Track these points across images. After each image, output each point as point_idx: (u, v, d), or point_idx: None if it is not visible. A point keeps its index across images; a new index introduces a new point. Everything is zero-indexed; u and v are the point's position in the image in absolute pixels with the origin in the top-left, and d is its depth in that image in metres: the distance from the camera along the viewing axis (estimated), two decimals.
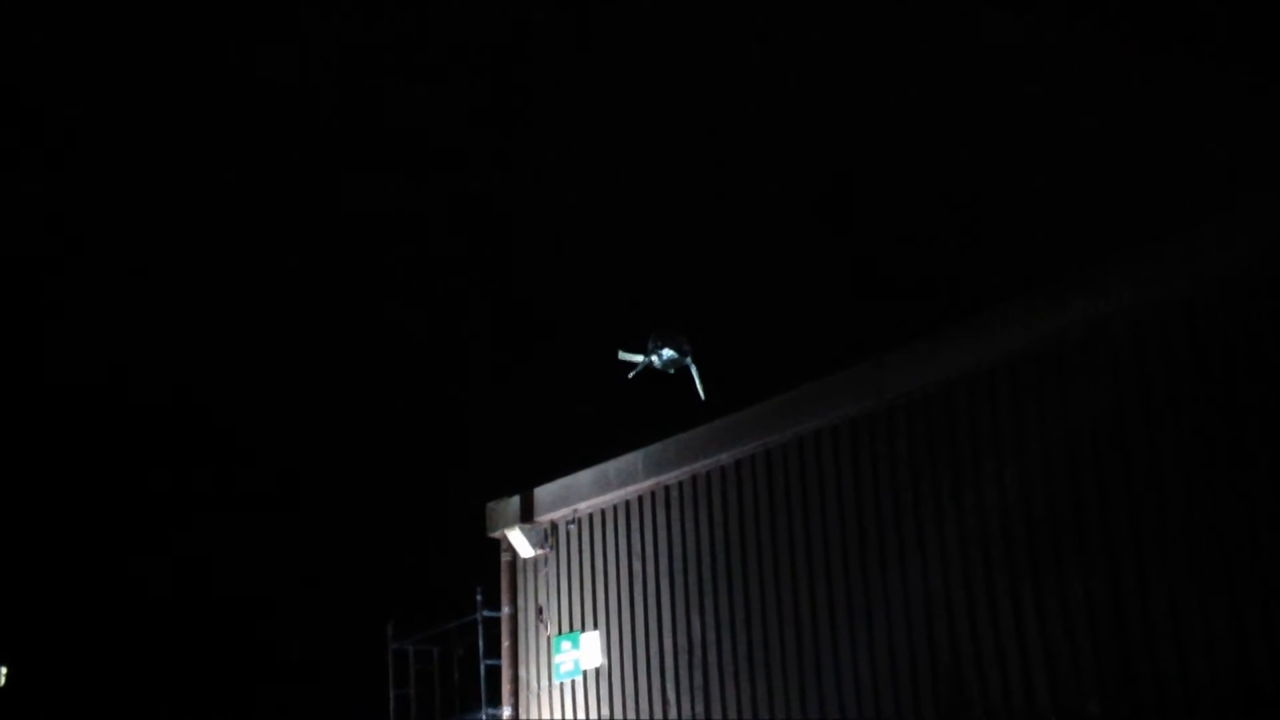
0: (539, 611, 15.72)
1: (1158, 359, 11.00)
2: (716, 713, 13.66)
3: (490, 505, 16.36)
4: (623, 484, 15.00)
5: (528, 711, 15.63)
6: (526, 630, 15.86)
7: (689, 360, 13.85)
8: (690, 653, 14.04)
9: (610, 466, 15.16)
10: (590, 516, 15.41)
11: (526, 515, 15.89)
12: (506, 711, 15.77)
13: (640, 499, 14.90)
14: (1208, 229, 10.91)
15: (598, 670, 14.95)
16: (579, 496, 15.48)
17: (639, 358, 13.80)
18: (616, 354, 13.90)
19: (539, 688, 15.53)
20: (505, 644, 15.99)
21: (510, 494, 16.10)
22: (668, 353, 13.82)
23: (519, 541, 15.89)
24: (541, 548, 15.78)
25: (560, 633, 15.45)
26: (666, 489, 14.64)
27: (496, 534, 16.22)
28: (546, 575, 15.75)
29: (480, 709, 15.96)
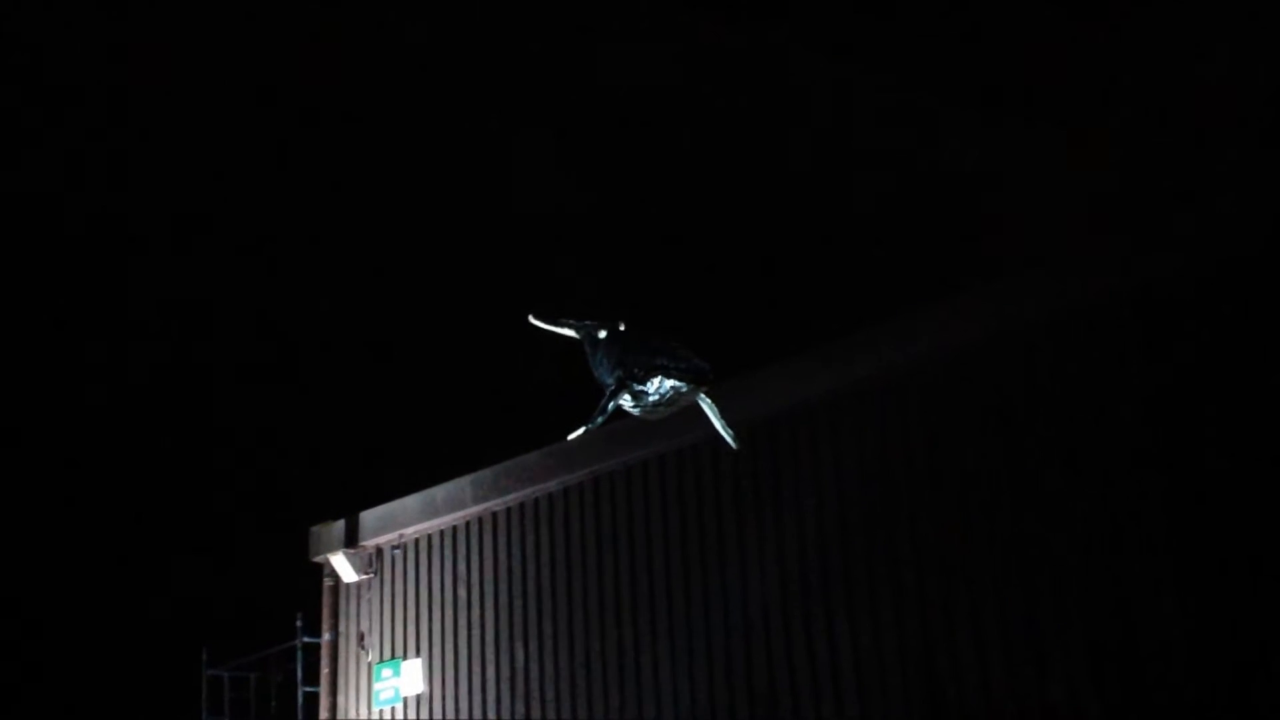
0: (360, 638, 15.58)
1: (974, 398, 11.46)
2: None
3: (313, 529, 16.17)
4: (450, 509, 14.99)
5: None
6: (347, 657, 15.71)
7: (703, 395, 8.80)
8: (512, 679, 14.09)
9: (438, 491, 15.13)
10: (416, 542, 15.36)
11: (351, 540, 15.75)
12: None
13: (468, 525, 14.91)
14: (1031, 274, 11.41)
15: (418, 697, 14.88)
16: (405, 521, 15.42)
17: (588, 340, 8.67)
18: (530, 316, 8.90)
19: (357, 716, 15.39)
20: (325, 671, 15.80)
21: (334, 518, 15.94)
22: (668, 384, 8.54)
23: (342, 566, 15.74)
24: (365, 573, 15.66)
25: (382, 659, 15.35)
26: (494, 515, 14.68)
27: (319, 558, 16.03)
28: (370, 601, 15.64)
29: None
